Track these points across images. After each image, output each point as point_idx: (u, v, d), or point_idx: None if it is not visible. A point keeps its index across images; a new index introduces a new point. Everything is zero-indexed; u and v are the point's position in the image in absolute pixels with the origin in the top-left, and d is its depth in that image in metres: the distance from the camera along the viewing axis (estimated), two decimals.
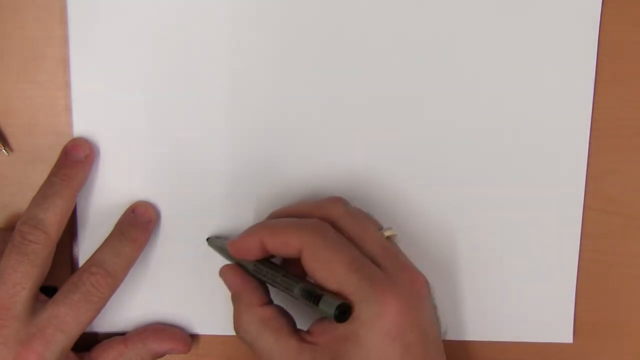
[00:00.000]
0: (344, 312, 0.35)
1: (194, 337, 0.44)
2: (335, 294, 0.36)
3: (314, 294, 0.36)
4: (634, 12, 0.42)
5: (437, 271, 0.43)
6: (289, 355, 0.37)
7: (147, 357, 0.42)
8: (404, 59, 0.42)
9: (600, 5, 0.42)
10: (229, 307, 0.42)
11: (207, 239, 0.43)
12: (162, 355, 0.43)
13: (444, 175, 0.43)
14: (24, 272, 0.38)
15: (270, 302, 0.39)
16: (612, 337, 0.45)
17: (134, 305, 0.43)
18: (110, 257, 0.39)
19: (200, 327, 0.44)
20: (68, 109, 0.42)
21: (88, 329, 0.39)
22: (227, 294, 0.43)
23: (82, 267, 0.39)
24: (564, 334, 0.44)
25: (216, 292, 0.43)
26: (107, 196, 0.42)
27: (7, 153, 0.42)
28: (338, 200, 0.40)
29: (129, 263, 0.40)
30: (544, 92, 0.42)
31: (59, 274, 0.42)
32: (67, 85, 0.42)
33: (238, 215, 0.43)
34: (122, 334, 0.43)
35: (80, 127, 0.42)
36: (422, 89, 0.42)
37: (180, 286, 0.43)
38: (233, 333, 0.44)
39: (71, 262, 0.43)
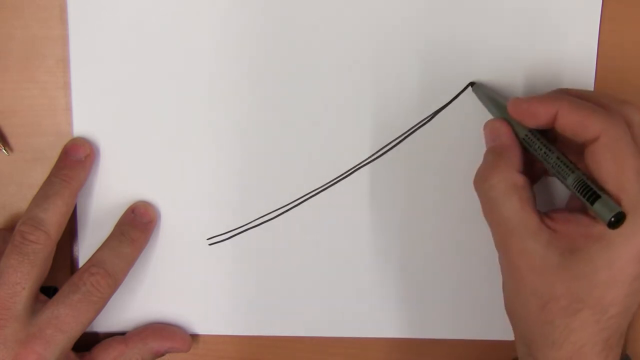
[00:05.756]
0: (619, 220, 0.34)
1: (194, 337, 0.44)
2: (609, 196, 0.35)
3: (591, 191, 0.35)
4: (634, 12, 0.42)
5: (440, 271, 0.43)
6: (527, 229, 0.36)
7: (148, 357, 0.42)
8: (400, 61, 0.42)
9: (601, 4, 0.42)
10: (229, 307, 0.42)
11: (472, 84, 0.41)
12: (163, 354, 0.43)
13: (446, 176, 0.43)
14: (24, 272, 0.37)
15: (523, 172, 0.38)
16: None
17: (134, 305, 0.43)
18: (111, 258, 0.40)
19: (200, 327, 0.44)
20: (68, 109, 0.42)
21: (88, 329, 0.39)
22: (226, 294, 0.43)
23: (82, 267, 0.39)
24: None
25: (216, 292, 0.43)
26: (107, 196, 0.42)
27: (7, 153, 0.42)
28: (638, 109, 0.38)
29: (129, 263, 0.40)
30: (544, 92, 0.42)
31: (59, 274, 0.42)
32: (67, 85, 0.42)
33: (238, 215, 0.43)
34: (122, 334, 0.43)
35: (80, 127, 0.42)
36: (417, 87, 0.42)
37: (180, 286, 0.43)
38: (233, 333, 0.44)
39: (71, 262, 0.43)
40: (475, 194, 0.38)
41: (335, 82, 0.42)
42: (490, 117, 0.40)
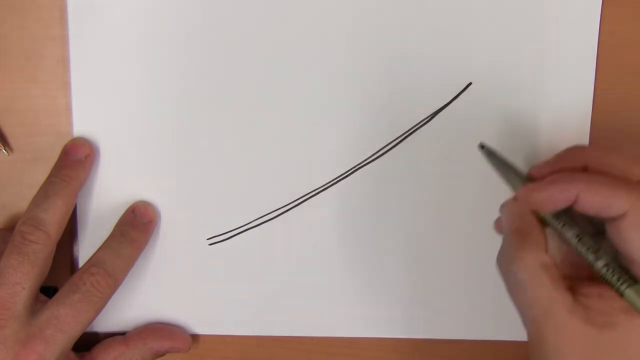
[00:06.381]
0: None
1: (194, 337, 0.44)
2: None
3: (623, 277, 0.34)
4: (634, 12, 0.42)
5: (441, 271, 0.43)
6: (564, 308, 0.35)
7: (148, 356, 0.42)
8: (397, 64, 0.42)
9: (601, 4, 0.42)
10: (229, 307, 0.42)
11: (481, 146, 0.40)
12: (163, 354, 0.43)
13: (447, 176, 0.43)
14: (24, 272, 0.38)
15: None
16: None
17: (134, 305, 0.43)
18: (111, 258, 0.40)
19: (200, 327, 0.44)
20: (68, 109, 0.42)
21: (88, 329, 0.39)
22: (226, 294, 0.43)
23: (82, 267, 0.39)
24: None
25: (216, 292, 0.43)
26: (107, 196, 0.42)
27: (7, 153, 0.43)
28: None
29: (129, 263, 0.40)
30: (544, 92, 0.42)
31: (59, 274, 0.42)
32: (67, 85, 0.42)
33: (238, 215, 0.43)
34: (122, 334, 0.43)
35: (80, 127, 0.42)
36: (417, 87, 0.42)
37: (180, 286, 0.43)
38: (233, 333, 0.44)
39: (71, 262, 0.43)
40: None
41: (335, 82, 0.42)
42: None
